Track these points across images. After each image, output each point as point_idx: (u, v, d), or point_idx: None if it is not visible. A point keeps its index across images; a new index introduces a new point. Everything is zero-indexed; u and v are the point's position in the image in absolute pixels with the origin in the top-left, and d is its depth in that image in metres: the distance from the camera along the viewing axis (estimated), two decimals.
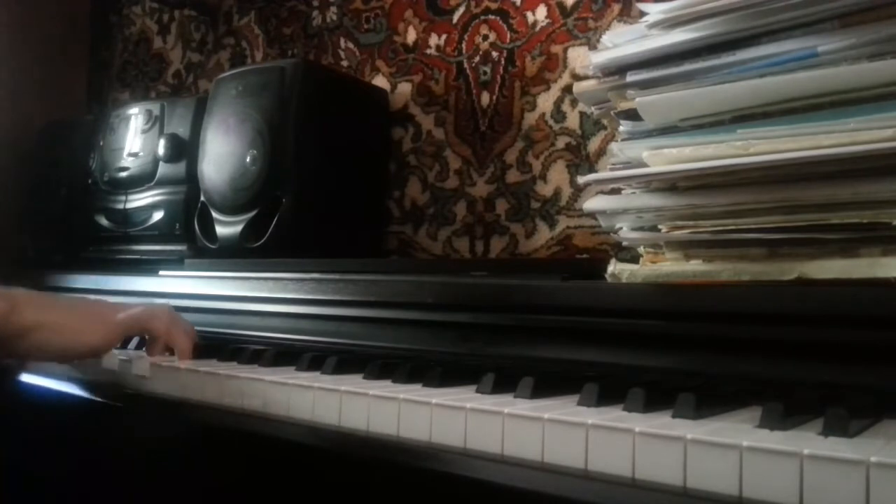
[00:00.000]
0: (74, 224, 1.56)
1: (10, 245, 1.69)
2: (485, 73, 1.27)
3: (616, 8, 1.13)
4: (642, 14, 0.72)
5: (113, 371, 0.87)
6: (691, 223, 0.67)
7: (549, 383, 0.62)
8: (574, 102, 1.16)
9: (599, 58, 0.75)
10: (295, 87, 1.19)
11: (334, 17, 1.50)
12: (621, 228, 0.74)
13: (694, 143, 0.66)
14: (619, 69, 0.74)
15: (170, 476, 0.88)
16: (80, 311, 0.87)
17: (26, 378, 0.94)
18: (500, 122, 1.25)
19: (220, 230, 1.24)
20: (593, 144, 1.14)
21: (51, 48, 1.91)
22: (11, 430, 1.01)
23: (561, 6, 1.19)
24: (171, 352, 0.90)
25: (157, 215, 1.40)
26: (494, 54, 1.26)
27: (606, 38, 0.76)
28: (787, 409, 0.50)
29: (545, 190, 1.18)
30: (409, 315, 0.83)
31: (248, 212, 1.20)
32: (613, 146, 0.74)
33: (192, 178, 1.33)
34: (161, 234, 1.40)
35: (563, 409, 0.55)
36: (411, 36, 1.37)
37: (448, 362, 0.75)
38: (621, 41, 0.74)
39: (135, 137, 1.46)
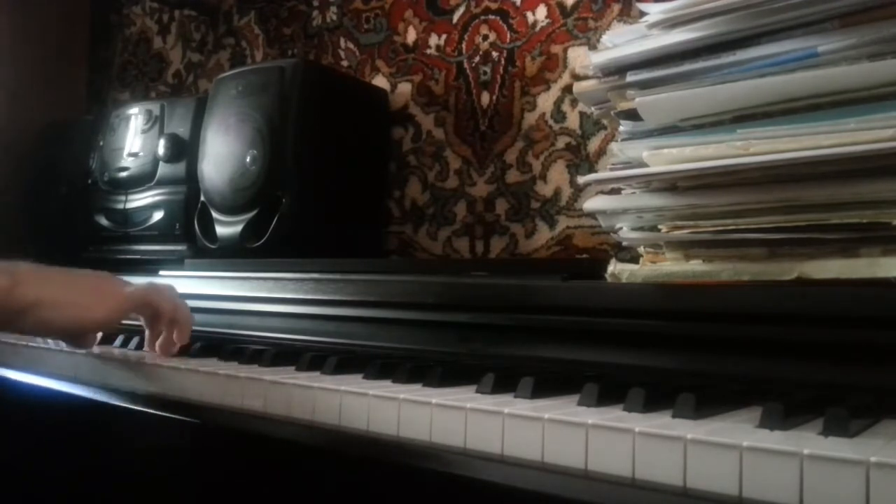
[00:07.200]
0: (74, 224, 1.56)
1: (10, 245, 1.69)
2: (485, 73, 1.27)
3: (616, 8, 1.13)
4: (642, 14, 0.72)
5: (113, 371, 0.87)
6: (691, 223, 0.67)
7: (549, 383, 0.62)
8: (574, 102, 1.16)
9: (599, 58, 0.75)
10: (295, 87, 1.19)
11: (334, 17, 1.50)
12: (621, 228, 0.74)
13: (694, 143, 0.66)
14: (619, 69, 0.74)
15: (169, 476, 0.88)
16: (86, 285, 0.84)
17: (25, 378, 0.94)
18: (500, 122, 1.24)
19: (220, 230, 1.24)
20: (593, 144, 1.14)
21: (51, 48, 1.91)
22: (10, 430, 1.01)
23: (561, 6, 1.19)
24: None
25: (157, 215, 1.40)
26: (494, 54, 1.26)
27: (606, 38, 0.76)
28: (787, 409, 0.50)
29: (545, 190, 1.18)
30: (409, 315, 0.83)
31: (248, 212, 1.20)
32: (613, 146, 0.74)
33: (192, 178, 1.33)
34: (161, 234, 1.40)
35: (563, 409, 0.55)
36: (411, 36, 1.37)
37: (448, 362, 0.74)
38: (621, 41, 0.74)
39: (135, 137, 1.46)
